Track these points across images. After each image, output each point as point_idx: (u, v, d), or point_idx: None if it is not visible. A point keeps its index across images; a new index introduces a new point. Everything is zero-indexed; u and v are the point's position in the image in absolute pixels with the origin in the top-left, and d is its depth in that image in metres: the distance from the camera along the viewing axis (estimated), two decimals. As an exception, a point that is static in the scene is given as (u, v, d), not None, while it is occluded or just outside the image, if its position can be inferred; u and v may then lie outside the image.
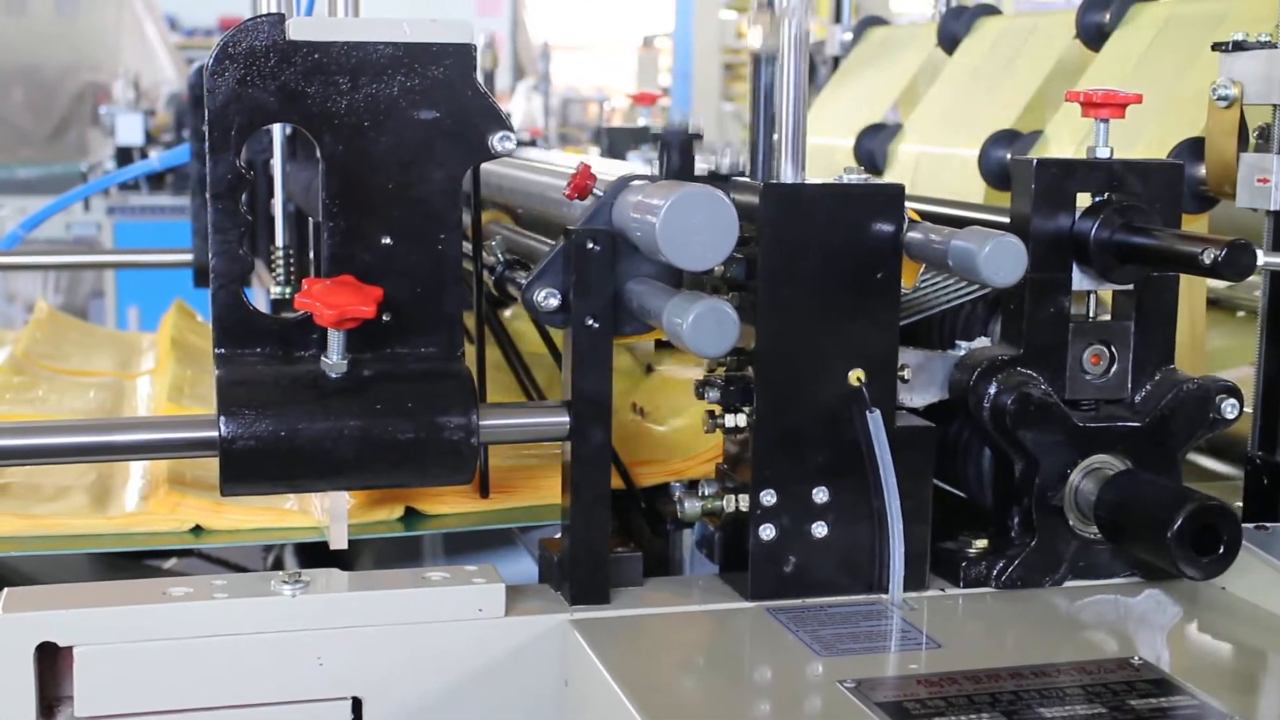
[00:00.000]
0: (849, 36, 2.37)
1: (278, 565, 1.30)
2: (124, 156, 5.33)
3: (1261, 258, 1.04)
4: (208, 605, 1.09)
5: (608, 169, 1.22)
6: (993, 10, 1.97)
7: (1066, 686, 1.05)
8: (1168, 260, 1.11)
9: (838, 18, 2.41)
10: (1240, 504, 1.30)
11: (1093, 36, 1.73)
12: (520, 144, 1.37)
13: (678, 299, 1.01)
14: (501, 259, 1.24)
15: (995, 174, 1.72)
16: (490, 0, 11.65)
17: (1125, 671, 1.07)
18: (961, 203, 1.48)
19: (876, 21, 2.32)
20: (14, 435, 1.14)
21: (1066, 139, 1.59)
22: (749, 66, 1.20)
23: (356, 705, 1.14)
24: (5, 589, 1.08)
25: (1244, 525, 1.18)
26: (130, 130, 5.43)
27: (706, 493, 1.20)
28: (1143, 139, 1.39)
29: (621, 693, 0.99)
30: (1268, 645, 1.13)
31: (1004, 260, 1.05)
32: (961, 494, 1.24)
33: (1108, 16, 1.69)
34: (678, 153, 1.19)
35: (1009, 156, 1.64)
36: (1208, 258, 1.05)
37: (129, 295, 5.11)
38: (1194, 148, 1.32)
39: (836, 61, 2.39)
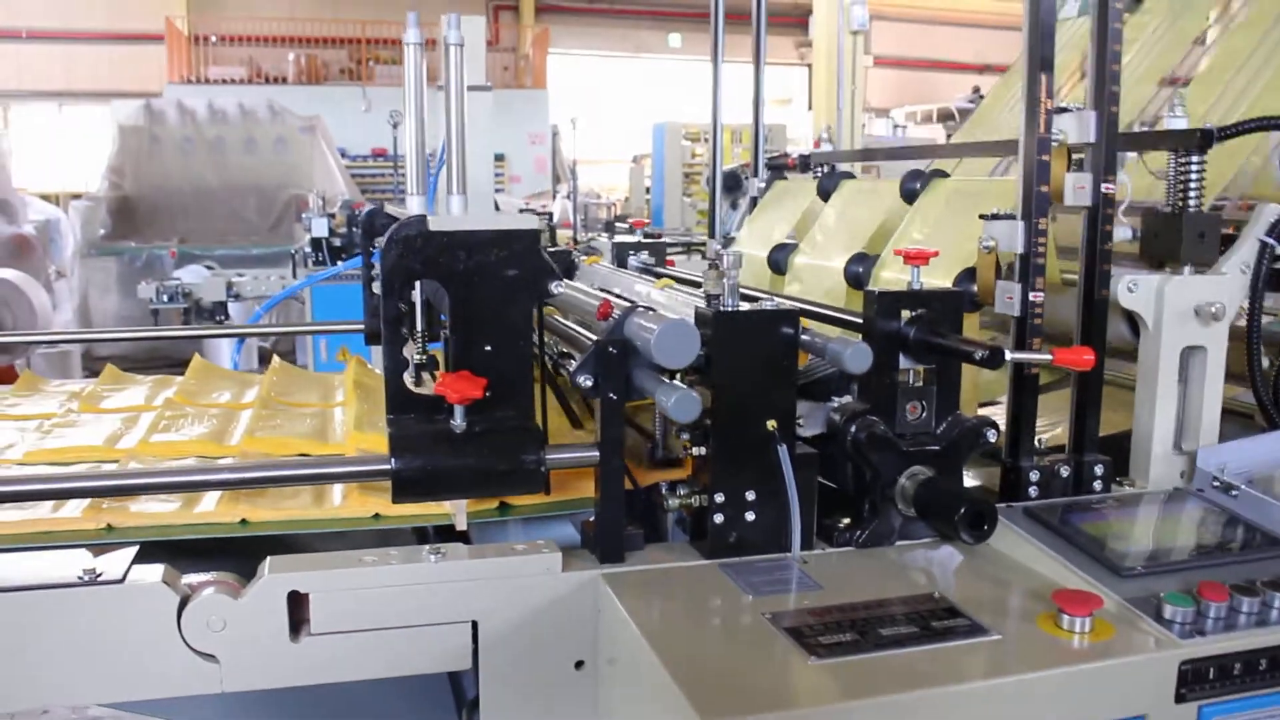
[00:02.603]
0: (763, 184, 2.60)
1: (423, 539, 1.41)
2: (315, 244, 6.30)
3: (1009, 355, 1.17)
4: (385, 568, 1.31)
5: (620, 298, 1.48)
6: (849, 175, 2.12)
7: (895, 614, 1.27)
8: (954, 354, 1.27)
9: (755, 172, 2.59)
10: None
11: (909, 196, 2.02)
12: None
13: (660, 390, 1.29)
14: (556, 352, 1.39)
15: (852, 280, 1.98)
16: (537, 133, 13.78)
17: (930, 603, 1.33)
18: (837, 309, 1.60)
19: (779, 176, 2.58)
20: (263, 469, 1.41)
21: (892, 264, 1.80)
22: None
23: (474, 626, 1.34)
24: (270, 556, 1.32)
25: (998, 505, 1.44)
26: (319, 227, 6.28)
27: (681, 494, 1.44)
28: (941, 268, 1.53)
29: (629, 616, 1.23)
30: (1012, 579, 1.36)
31: (859, 359, 1.22)
32: (836, 487, 1.47)
33: (919, 185, 1.99)
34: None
35: (860, 270, 1.76)
36: (977, 355, 1.21)
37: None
38: (970, 275, 1.48)
39: (754, 201, 2.59)
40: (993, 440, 1.48)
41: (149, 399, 2.02)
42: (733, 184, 3.12)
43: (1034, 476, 1.52)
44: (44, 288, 6.91)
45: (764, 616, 1.23)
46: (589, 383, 1.35)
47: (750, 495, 1.38)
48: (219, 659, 1.28)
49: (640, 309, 1.36)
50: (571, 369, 1.36)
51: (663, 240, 1.41)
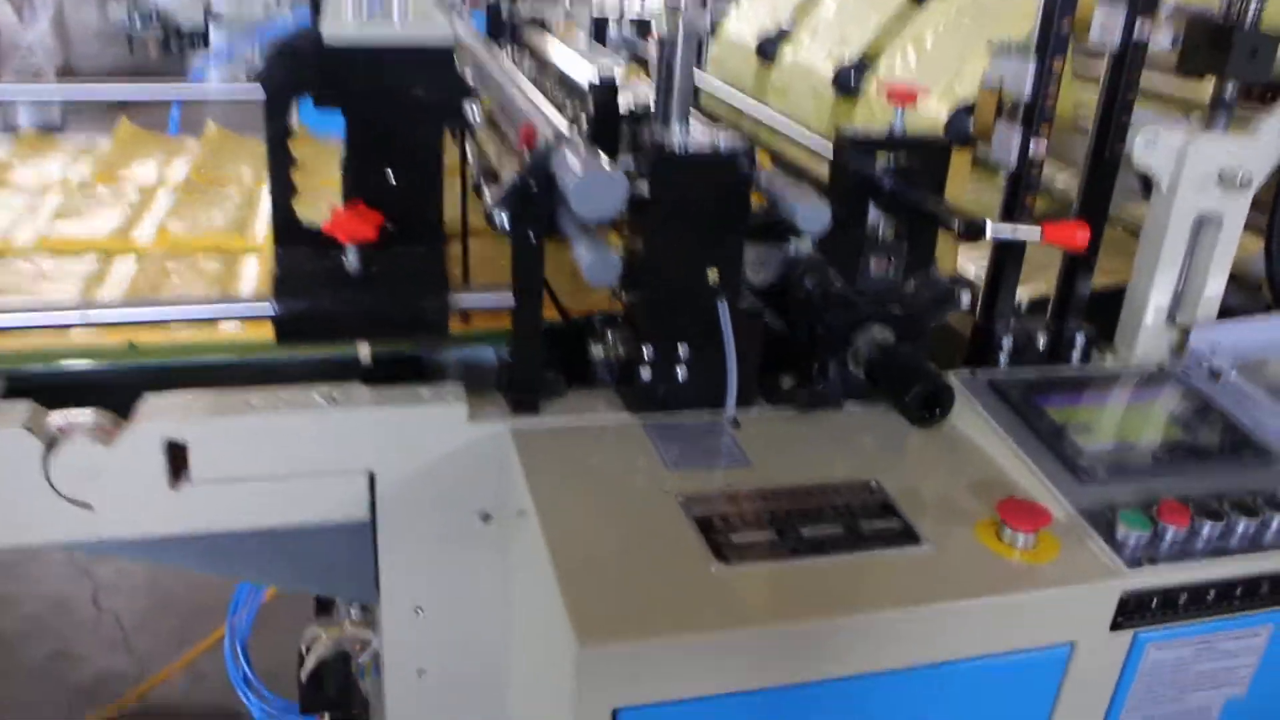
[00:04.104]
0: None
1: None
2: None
3: (990, 229, 0.99)
4: (271, 415, 1.16)
5: (550, 124, 1.14)
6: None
7: (823, 506, 1.11)
8: (929, 219, 1.08)
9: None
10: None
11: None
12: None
13: (581, 243, 1.09)
14: (479, 179, 1.21)
15: (843, 85, 1.71)
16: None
17: (865, 494, 1.14)
18: (810, 135, 1.40)
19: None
20: (132, 306, 1.23)
21: (897, 65, 1.58)
22: (654, 49, 1.12)
23: (371, 477, 1.21)
24: (148, 395, 1.17)
25: (961, 370, 1.30)
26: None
27: (608, 341, 1.28)
28: (941, 87, 1.33)
29: (529, 493, 1.08)
30: (962, 469, 1.19)
31: (814, 219, 1.03)
32: (786, 338, 1.29)
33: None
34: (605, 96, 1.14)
35: (851, 79, 1.53)
36: (954, 225, 1.02)
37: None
38: (969, 111, 1.24)
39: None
40: (964, 305, 1.31)
41: (63, 172, 1.78)
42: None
43: (1006, 343, 1.36)
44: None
45: (677, 501, 1.11)
46: (505, 221, 1.17)
47: (683, 350, 1.22)
48: (94, 507, 1.16)
49: (569, 141, 1.15)
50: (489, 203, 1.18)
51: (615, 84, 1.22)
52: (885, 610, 0.98)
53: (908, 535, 1.08)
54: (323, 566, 1.33)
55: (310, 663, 1.61)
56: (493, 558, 1.28)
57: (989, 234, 1.10)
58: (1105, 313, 1.41)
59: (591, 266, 1.06)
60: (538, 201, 1.14)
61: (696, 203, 1.18)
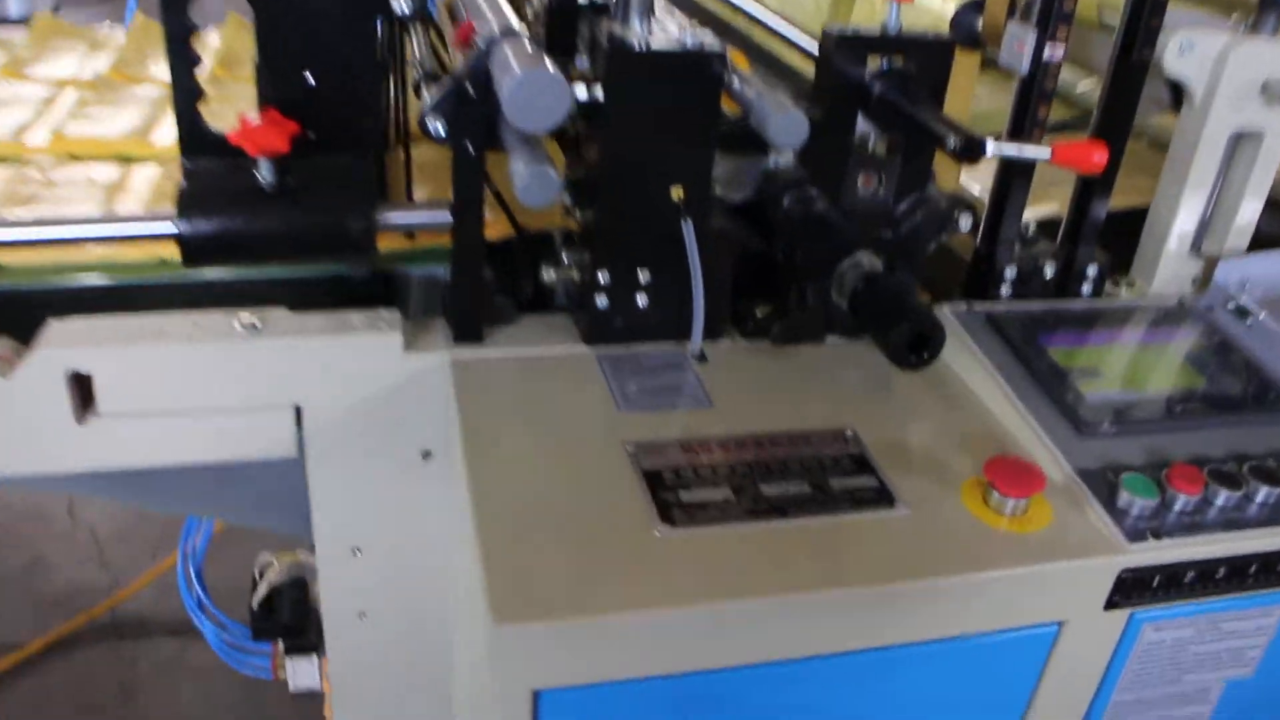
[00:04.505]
0: None
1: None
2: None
3: (991, 147, 0.84)
4: (183, 345, 1.03)
5: (493, 18, 1.07)
6: None
7: (788, 459, 0.98)
8: (922, 132, 1.02)
9: None
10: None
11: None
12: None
13: (518, 156, 0.94)
14: (421, 78, 1.06)
15: None
16: None
17: (838, 445, 1.02)
18: (796, 31, 1.25)
19: None
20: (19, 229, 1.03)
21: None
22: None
23: (298, 411, 1.09)
24: (51, 320, 1.04)
25: (957, 303, 1.17)
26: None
27: (564, 263, 1.15)
28: None
29: (459, 424, 0.98)
30: (951, 417, 1.06)
31: (789, 131, 0.88)
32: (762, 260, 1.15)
33: None
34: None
35: None
36: (950, 143, 0.87)
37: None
38: (978, 7, 1.08)
39: None
40: (965, 228, 1.17)
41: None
42: None
43: (1009, 272, 1.21)
44: None
45: (625, 449, 0.99)
46: (440, 129, 1.03)
47: (644, 276, 1.08)
48: None
49: (509, 38, 0.98)
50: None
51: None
52: (844, 588, 0.85)
53: (882, 496, 0.95)
54: (254, 501, 1.23)
55: (262, 589, 1.53)
56: (437, 496, 1.16)
57: (989, 152, 0.94)
58: (1123, 239, 1.26)
59: (526, 186, 0.91)
60: (476, 107, 1.00)
61: (658, 109, 1.02)
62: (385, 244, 1.19)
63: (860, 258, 1.14)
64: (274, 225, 1.00)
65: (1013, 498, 0.93)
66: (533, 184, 0.92)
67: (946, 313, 1.17)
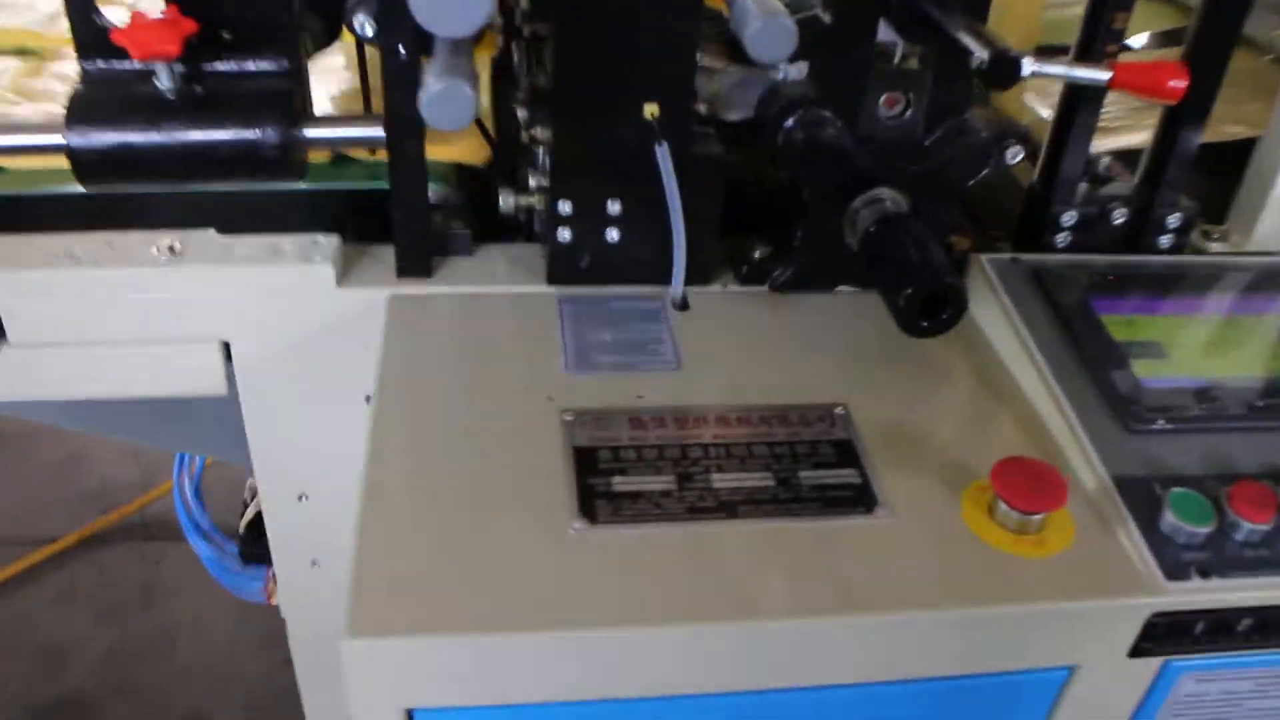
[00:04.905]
0: None
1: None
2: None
3: (1028, 67, 0.65)
4: (96, 271, 0.92)
5: None
6: None
7: (755, 442, 0.81)
8: (946, 44, 0.71)
9: None
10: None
11: None
12: None
13: (430, 69, 0.77)
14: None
15: None
16: None
17: (821, 426, 0.84)
18: None
19: None
20: None
21: None
22: None
23: (226, 346, 0.99)
24: None
25: (1001, 255, 0.96)
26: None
27: (526, 187, 0.98)
28: None
29: (377, 375, 0.85)
30: (967, 397, 0.87)
31: (772, 41, 0.68)
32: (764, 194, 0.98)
33: None
34: None
35: None
36: (975, 60, 0.67)
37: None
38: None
39: None
40: (1013, 162, 0.95)
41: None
42: None
43: (1068, 218, 1.00)
44: None
45: (561, 418, 0.83)
46: (369, 29, 0.87)
47: (614, 207, 0.92)
48: None
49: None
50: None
51: None
52: (783, 619, 0.68)
53: (861, 497, 0.77)
54: (197, 436, 1.13)
55: (249, 513, 1.46)
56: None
57: (1026, 71, 0.73)
58: (1221, 179, 1.02)
59: (433, 102, 0.75)
60: (404, 8, 0.84)
61: (625, 10, 0.85)
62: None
63: (882, 194, 0.94)
64: (174, 141, 0.87)
65: (1026, 513, 0.74)
66: (439, 99, 0.74)
67: (985, 266, 0.96)
